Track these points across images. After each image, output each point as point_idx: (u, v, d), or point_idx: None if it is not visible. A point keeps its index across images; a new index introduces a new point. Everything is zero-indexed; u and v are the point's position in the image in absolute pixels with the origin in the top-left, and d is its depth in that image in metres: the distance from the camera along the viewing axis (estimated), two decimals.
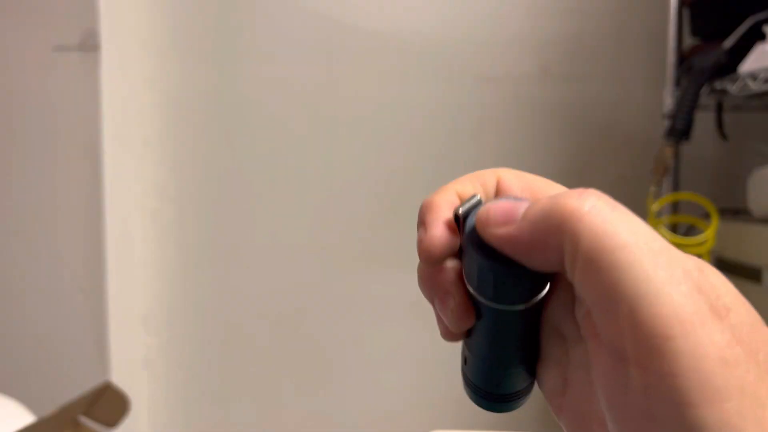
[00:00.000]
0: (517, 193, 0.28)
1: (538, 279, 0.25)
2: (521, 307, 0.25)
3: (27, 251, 1.33)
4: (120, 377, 1.29)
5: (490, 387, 0.27)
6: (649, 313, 0.20)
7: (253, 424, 1.42)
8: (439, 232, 0.26)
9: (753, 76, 0.90)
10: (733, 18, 0.97)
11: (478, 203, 0.26)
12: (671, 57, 1.10)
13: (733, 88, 0.94)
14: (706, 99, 1.09)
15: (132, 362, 1.38)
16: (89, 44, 1.25)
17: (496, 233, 0.24)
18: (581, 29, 1.32)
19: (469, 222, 0.26)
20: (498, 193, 0.28)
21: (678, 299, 0.20)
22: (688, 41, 1.12)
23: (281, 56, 1.36)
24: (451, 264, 0.27)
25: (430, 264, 0.27)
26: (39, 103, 1.29)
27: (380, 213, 1.37)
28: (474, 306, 0.26)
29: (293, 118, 1.37)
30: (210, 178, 1.40)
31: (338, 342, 1.40)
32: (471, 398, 0.29)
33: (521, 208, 0.24)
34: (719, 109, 1.16)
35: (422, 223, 0.27)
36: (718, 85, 0.98)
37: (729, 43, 0.96)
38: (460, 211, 0.26)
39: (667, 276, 0.20)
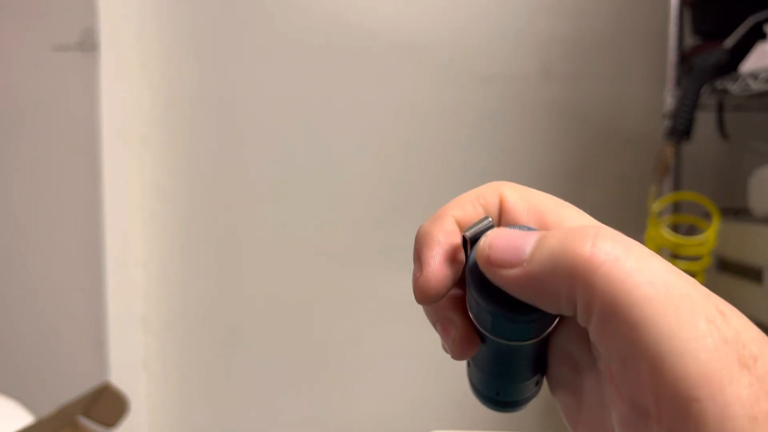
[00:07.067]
0: (523, 216, 0.25)
1: (545, 318, 0.23)
2: (527, 342, 0.24)
3: (26, 251, 1.33)
4: (119, 377, 1.28)
5: (493, 394, 0.27)
6: (673, 375, 0.19)
7: (253, 425, 1.42)
8: (435, 269, 0.24)
9: (754, 76, 0.89)
10: (734, 18, 0.97)
11: (489, 227, 0.24)
12: (672, 57, 1.10)
13: (733, 87, 0.93)
14: (706, 99, 1.09)
15: (131, 363, 1.38)
16: (88, 44, 1.25)
17: (500, 274, 0.22)
18: (581, 29, 1.32)
19: (474, 252, 0.23)
20: (502, 214, 0.25)
21: (703, 356, 0.19)
22: (689, 41, 1.12)
23: (281, 56, 1.36)
24: (453, 292, 0.25)
25: (425, 304, 0.25)
26: (38, 103, 1.29)
27: (380, 213, 1.37)
28: (478, 333, 0.25)
29: (293, 117, 1.37)
30: (209, 177, 1.39)
31: (338, 342, 1.39)
32: (476, 397, 0.29)
33: (527, 245, 0.22)
34: (720, 108, 1.16)
35: (417, 258, 0.25)
36: (719, 84, 0.97)
37: (730, 42, 0.96)
38: (468, 234, 0.24)
39: (691, 330, 0.19)
